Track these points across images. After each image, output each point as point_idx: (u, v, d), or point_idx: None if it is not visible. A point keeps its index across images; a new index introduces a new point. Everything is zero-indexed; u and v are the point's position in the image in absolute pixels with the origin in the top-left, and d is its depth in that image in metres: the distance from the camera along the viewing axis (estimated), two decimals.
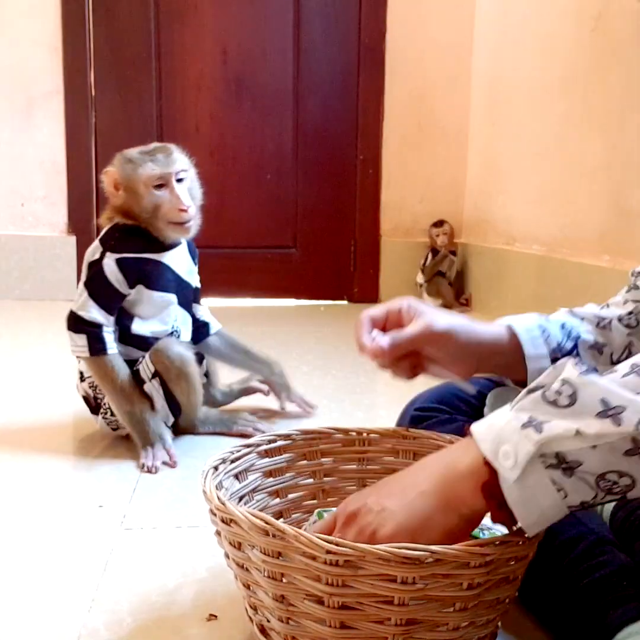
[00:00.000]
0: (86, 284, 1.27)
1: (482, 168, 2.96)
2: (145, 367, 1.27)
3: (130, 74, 2.90)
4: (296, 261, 3.08)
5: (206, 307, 1.45)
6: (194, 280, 1.39)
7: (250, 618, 0.71)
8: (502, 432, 0.55)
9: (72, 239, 2.89)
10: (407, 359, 0.76)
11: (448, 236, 2.98)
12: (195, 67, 2.94)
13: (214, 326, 1.45)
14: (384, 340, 0.74)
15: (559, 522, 0.70)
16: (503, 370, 0.81)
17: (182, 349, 1.28)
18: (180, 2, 2.88)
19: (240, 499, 0.80)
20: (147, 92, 2.92)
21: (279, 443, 0.86)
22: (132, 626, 0.75)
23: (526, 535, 0.59)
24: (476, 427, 0.58)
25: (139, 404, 1.26)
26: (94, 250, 1.29)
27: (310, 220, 3.04)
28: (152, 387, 1.27)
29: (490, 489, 0.56)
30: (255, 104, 2.99)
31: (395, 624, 0.59)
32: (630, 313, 0.81)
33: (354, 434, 0.89)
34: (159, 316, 1.31)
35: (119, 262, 1.25)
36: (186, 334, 1.37)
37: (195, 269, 1.39)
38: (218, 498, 0.66)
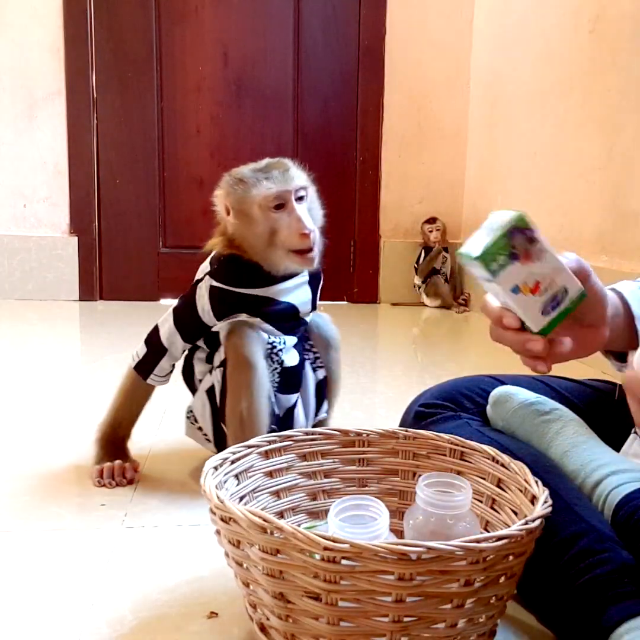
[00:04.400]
0: (177, 303, 1.16)
1: (480, 169, 2.97)
2: (220, 352, 1.13)
3: (132, 76, 2.91)
4: None
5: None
6: (308, 313, 1.19)
7: (250, 616, 0.71)
8: None
9: (74, 240, 2.90)
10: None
11: (440, 232, 2.99)
12: (195, 69, 2.94)
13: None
14: None
15: (559, 520, 0.71)
16: (619, 334, 0.79)
17: (257, 341, 1.09)
18: (181, 4, 2.89)
19: (241, 499, 0.81)
20: (148, 93, 2.93)
21: (279, 444, 0.87)
22: (134, 623, 0.76)
23: None
24: None
25: (120, 432, 1.18)
26: (202, 269, 1.15)
27: None
28: (215, 378, 1.13)
29: None
30: (256, 105, 3.00)
31: (393, 620, 0.60)
32: None
33: (353, 434, 0.90)
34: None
35: (211, 290, 1.11)
36: (292, 357, 1.16)
37: (312, 299, 1.19)
38: (217, 497, 0.67)
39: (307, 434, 0.89)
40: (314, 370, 1.20)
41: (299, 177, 1.10)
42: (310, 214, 1.10)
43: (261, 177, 1.07)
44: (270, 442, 0.86)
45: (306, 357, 1.19)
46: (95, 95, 2.88)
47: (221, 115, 2.98)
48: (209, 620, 0.77)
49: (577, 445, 0.82)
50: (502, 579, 0.63)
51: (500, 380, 1.00)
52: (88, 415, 1.49)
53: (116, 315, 2.68)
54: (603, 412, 0.94)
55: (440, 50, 3.02)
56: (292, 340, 1.16)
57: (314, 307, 1.19)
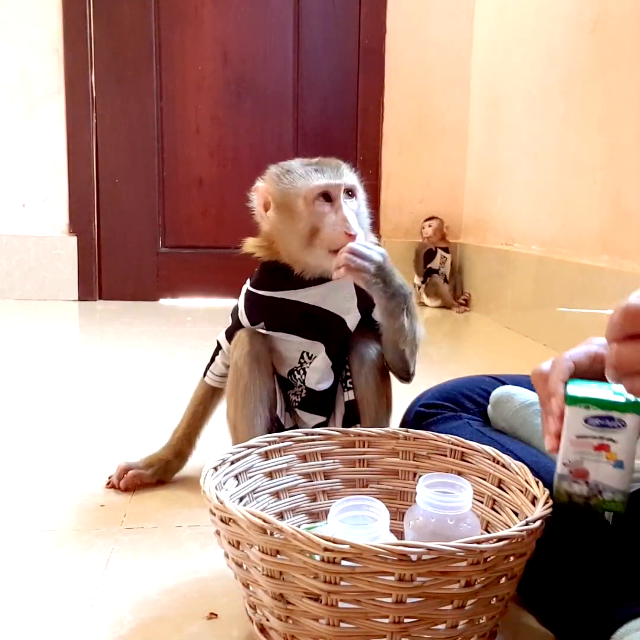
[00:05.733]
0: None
1: (481, 168, 2.97)
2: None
3: (131, 75, 2.90)
4: None
5: None
6: (353, 321, 1.08)
7: (250, 617, 0.71)
8: None
9: (73, 239, 2.90)
10: None
11: (433, 229, 2.99)
12: (195, 68, 2.94)
13: None
14: None
15: (561, 520, 0.70)
16: None
17: (249, 346, 1.05)
18: (181, 4, 2.89)
19: (241, 499, 0.81)
20: (147, 93, 2.93)
21: (279, 444, 0.86)
22: (133, 624, 0.76)
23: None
24: None
25: (186, 431, 1.16)
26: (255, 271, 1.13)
27: None
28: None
29: None
30: (256, 104, 2.99)
31: (393, 621, 0.59)
32: None
33: (353, 435, 0.90)
34: (281, 355, 1.09)
35: (246, 294, 1.09)
36: (320, 378, 1.09)
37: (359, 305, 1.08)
38: (217, 497, 0.66)
39: (307, 434, 0.89)
40: (345, 390, 1.12)
41: (350, 176, 1.03)
42: (357, 218, 1.01)
43: (311, 170, 1.00)
44: (270, 443, 0.86)
45: (339, 376, 1.12)
46: (94, 95, 2.88)
47: (221, 114, 2.98)
48: (208, 621, 0.76)
49: None
50: (502, 580, 0.63)
51: (500, 380, 1.00)
52: (87, 416, 1.49)
53: (115, 315, 2.67)
54: None
55: (440, 49, 3.01)
56: (324, 360, 1.08)
57: (365, 316, 1.09)
